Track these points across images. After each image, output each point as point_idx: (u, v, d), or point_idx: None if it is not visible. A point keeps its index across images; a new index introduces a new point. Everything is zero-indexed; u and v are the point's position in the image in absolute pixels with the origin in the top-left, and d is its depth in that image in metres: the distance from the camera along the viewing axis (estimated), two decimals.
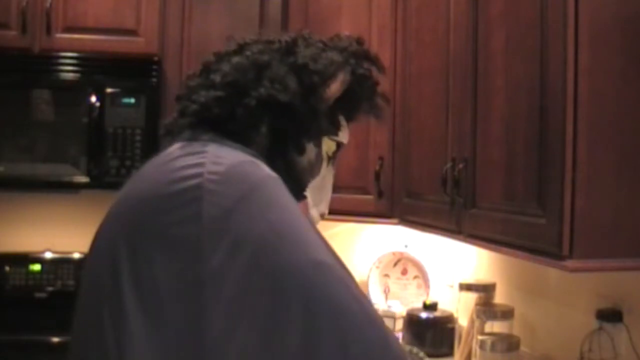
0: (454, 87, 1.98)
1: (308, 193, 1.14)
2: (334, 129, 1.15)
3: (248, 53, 1.08)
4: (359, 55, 1.15)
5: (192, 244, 0.85)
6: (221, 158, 0.93)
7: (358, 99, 1.16)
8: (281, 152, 1.07)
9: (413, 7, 2.36)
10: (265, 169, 0.95)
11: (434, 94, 2.13)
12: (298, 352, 0.82)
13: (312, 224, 0.94)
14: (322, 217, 1.19)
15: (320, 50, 1.11)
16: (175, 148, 0.99)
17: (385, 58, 2.46)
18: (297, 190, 1.11)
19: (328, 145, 1.15)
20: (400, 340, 2.56)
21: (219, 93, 1.03)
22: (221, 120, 1.02)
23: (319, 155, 1.13)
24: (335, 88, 1.10)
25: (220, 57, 1.10)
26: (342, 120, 1.17)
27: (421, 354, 2.38)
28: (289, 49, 1.10)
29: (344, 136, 1.17)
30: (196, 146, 0.97)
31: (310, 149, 1.11)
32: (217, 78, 1.05)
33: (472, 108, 1.84)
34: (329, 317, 0.83)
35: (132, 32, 2.72)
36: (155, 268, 0.86)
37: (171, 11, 2.75)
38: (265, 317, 0.82)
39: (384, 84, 1.21)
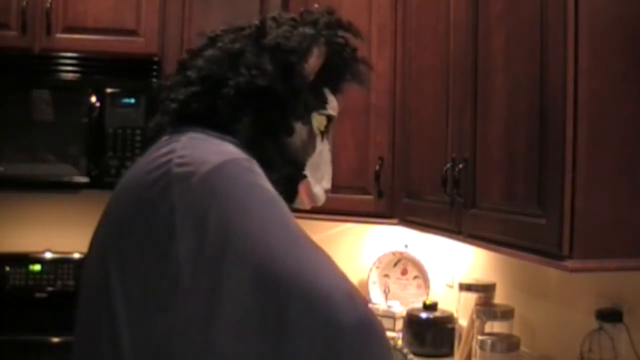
0: (454, 87, 1.98)
1: (307, 172, 1.13)
2: (321, 103, 1.13)
3: (220, 44, 1.07)
4: (331, 25, 1.14)
5: (167, 232, 0.85)
6: (192, 144, 0.94)
7: (339, 68, 1.15)
8: (270, 136, 1.06)
9: (413, 7, 2.36)
10: (233, 150, 0.95)
11: (434, 94, 2.13)
12: (269, 330, 0.80)
13: (284, 204, 0.92)
14: (327, 192, 1.17)
15: (292, 27, 1.10)
16: (158, 143, 1.00)
17: (385, 58, 2.47)
18: (295, 171, 1.11)
19: (318, 120, 1.14)
20: (400, 340, 2.56)
21: (196, 88, 1.03)
22: (203, 114, 1.02)
23: (310, 132, 1.12)
24: (313, 62, 1.09)
25: (194, 53, 1.10)
26: (328, 93, 1.15)
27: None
28: (260, 32, 1.08)
29: (332, 108, 1.16)
30: (173, 137, 0.98)
31: (300, 128, 1.09)
32: (193, 74, 1.05)
33: (472, 108, 1.84)
34: (302, 292, 0.80)
35: (132, 32, 2.72)
36: (138, 261, 0.87)
37: (171, 11, 2.76)
38: (234, 297, 0.81)
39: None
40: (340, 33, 1.14)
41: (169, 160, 0.90)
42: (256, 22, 1.11)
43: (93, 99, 2.63)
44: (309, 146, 1.12)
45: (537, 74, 1.51)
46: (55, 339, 2.49)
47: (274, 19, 1.12)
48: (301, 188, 1.13)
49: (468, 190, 1.85)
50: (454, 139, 1.96)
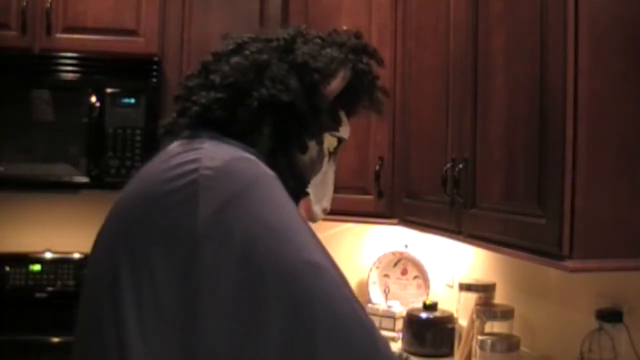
0: (454, 87, 1.98)
1: (310, 189, 1.14)
2: (335, 125, 1.14)
3: (247, 52, 1.07)
4: (358, 50, 1.14)
5: (188, 242, 0.85)
6: (217, 154, 0.93)
7: (358, 94, 1.15)
8: (283, 151, 1.06)
9: (413, 7, 2.36)
10: (261, 166, 0.95)
11: (434, 94, 2.13)
12: (279, 353, 0.81)
13: (309, 225, 0.93)
14: (325, 212, 1.18)
15: (319, 46, 1.10)
16: (174, 146, 0.99)
17: (385, 58, 2.43)
18: (300, 187, 1.11)
19: (329, 141, 1.14)
20: (400, 341, 2.56)
21: (220, 94, 1.03)
22: (223, 121, 1.02)
23: (320, 151, 1.13)
24: (335, 85, 1.09)
25: (219, 56, 1.09)
26: (343, 116, 1.16)
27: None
28: (288, 46, 1.09)
29: (345, 132, 1.17)
30: (194, 143, 0.97)
31: (312, 146, 1.10)
32: (217, 79, 1.04)
33: (472, 108, 1.84)
34: (314, 318, 0.82)
35: (132, 32, 2.72)
36: (153, 268, 0.86)
37: (171, 11, 2.76)
38: (249, 315, 0.82)
39: (384, 82, 1.21)
40: (365, 59, 1.14)
41: (195, 170, 0.89)
42: (285, 35, 1.11)
43: (93, 99, 2.63)
44: (317, 165, 1.13)
45: (537, 74, 1.51)
46: (55, 339, 2.49)
47: (302, 34, 1.12)
48: (301, 204, 1.13)
49: (468, 190, 1.85)
50: (454, 139, 1.96)
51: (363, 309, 0.89)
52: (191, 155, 0.93)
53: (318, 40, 1.12)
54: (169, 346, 0.84)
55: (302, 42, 1.10)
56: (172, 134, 1.05)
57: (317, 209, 1.16)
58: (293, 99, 1.03)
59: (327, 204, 1.18)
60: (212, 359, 0.83)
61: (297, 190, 1.10)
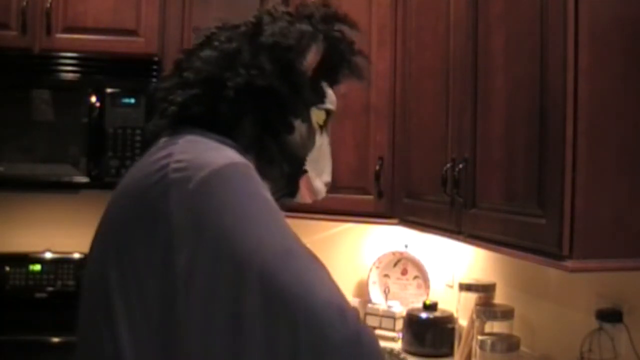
0: (454, 87, 1.98)
1: (308, 166, 1.12)
2: (320, 98, 1.12)
3: (216, 43, 1.06)
4: (327, 18, 1.12)
5: (165, 237, 0.85)
6: (189, 147, 0.93)
7: (336, 62, 1.13)
8: (271, 135, 1.05)
9: (413, 7, 2.36)
10: (233, 155, 0.94)
11: (434, 94, 2.13)
12: (261, 341, 0.80)
13: (280, 212, 0.91)
14: (327, 185, 1.17)
15: (288, 23, 1.08)
16: (155, 146, 0.99)
17: (385, 58, 2.46)
18: (296, 167, 1.10)
19: (317, 115, 1.13)
20: (400, 340, 2.56)
21: (195, 90, 1.02)
22: (203, 117, 1.01)
23: (310, 127, 1.11)
24: (311, 59, 1.08)
25: (190, 52, 1.08)
26: (326, 87, 1.14)
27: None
28: (256, 29, 1.07)
29: (331, 102, 1.15)
30: (173, 140, 0.97)
31: (299, 124, 1.09)
32: (190, 75, 1.03)
33: (472, 108, 1.84)
34: (292, 307, 0.80)
35: (132, 32, 2.72)
36: (138, 267, 0.87)
37: (171, 11, 2.76)
38: (229, 306, 0.81)
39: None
40: (337, 26, 1.13)
41: (167, 165, 0.90)
42: (252, 18, 1.09)
43: (93, 99, 2.63)
44: (309, 141, 1.12)
45: (537, 74, 1.51)
46: (55, 339, 2.49)
47: (269, 13, 1.10)
48: (302, 183, 1.12)
49: (468, 190, 1.85)
50: (454, 139, 1.96)
51: (341, 293, 0.86)
52: (165, 152, 0.93)
53: (286, 17, 1.10)
54: (154, 344, 0.84)
55: (270, 21, 1.08)
56: (154, 135, 1.05)
57: (318, 184, 1.15)
58: (269, 82, 1.02)
59: (327, 177, 1.17)
60: (194, 354, 0.82)
61: (294, 170, 1.10)
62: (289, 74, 1.04)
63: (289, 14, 1.11)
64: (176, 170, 0.89)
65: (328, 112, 1.15)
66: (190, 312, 0.83)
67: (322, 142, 1.15)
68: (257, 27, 1.07)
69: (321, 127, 1.14)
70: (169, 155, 0.92)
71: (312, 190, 1.14)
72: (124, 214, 0.92)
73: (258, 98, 1.02)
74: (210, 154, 0.92)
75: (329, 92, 1.15)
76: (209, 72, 1.03)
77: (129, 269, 0.87)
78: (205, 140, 0.96)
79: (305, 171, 1.12)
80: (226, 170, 0.90)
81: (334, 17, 1.13)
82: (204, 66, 1.03)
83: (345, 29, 1.14)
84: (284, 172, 1.08)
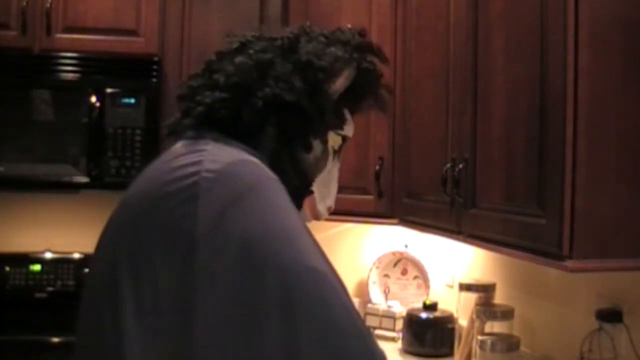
0: (454, 87, 1.98)
1: (315, 188, 1.13)
2: (340, 124, 1.13)
3: (251, 52, 1.06)
4: (362, 48, 1.14)
5: (187, 243, 0.85)
6: (219, 156, 0.93)
7: (363, 92, 1.15)
8: (288, 150, 1.06)
9: (413, 7, 2.36)
10: (263, 169, 0.95)
11: (434, 94, 2.13)
12: (277, 356, 0.81)
13: (309, 230, 0.92)
14: (330, 210, 1.18)
15: (323, 45, 1.10)
16: (177, 147, 0.99)
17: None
18: (304, 186, 1.11)
19: (334, 139, 1.14)
20: (400, 340, 2.56)
21: (224, 94, 1.02)
22: (227, 121, 1.02)
23: (325, 150, 1.12)
24: (340, 84, 1.09)
25: (222, 55, 1.08)
26: (347, 114, 1.16)
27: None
28: (292, 45, 1.08)
29: (349, 130, 1.16)
30: (198, 144, 0.97)
31: (317, 145, 1.10)
32: (221, 78, 1.04)
33: (472, 108, 1.84)
34: (312, 324, 0.82)
35: (132, 32, 2.72)
36: (153, 270, 0.86)
37: (171, 11, 2.75)
38: (247, 318, 0.82)
39: (386, 80, 1.21)
40: (369, 57, 1.14)
41: (197, 172, 0.89)
42: (289, 34, 1.10)
43: (93, 99, 2.63)
44: (321, 163, 1.13)
45: (537, 74, 1.51)
46: (55, 339, 2.49)
47: (306, 33, 1.12)
48: (306, 202, 1.13)
49: (468, 190, 1.85)
50: (454, 139, 1.96)
51: (360, 316, 0.89)
52: (194, 158, 0.93)
53: (322, 39, 1.11)
54: (166, 352, 0.84)
55: (306, 40, 1.10)
56: (176, 134, 1.05)
57: (321, 208, 1.16)
58: (297, 98, 1.03)
59: (331, 202, 1.18)
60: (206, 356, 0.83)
61: (301, 189, 1.10)
62: (317, 94, 1.05)
63: (325, 36, 1.13)
64: (207, 180, 0.88)
65: (344, 139, 1.16)
66: (207, 325, 0.82)
67: (333, 167, 1.16)
68: (293, 43, 1.09)
69: (335, 152, 1.15)
70: (198, 162, 0.91)
71: (314, 211, 1.15)
72: (142, 218, 0.91)
73: (283, 112, 1.03)
74: (242, 167, 0.92)
75: (349, 119, 1.16)
76: (240, 78, 1.03)
77: (144, 271, 0.86)
78: (234, 150, 0.96)
79: (312, 192, 1.13)
80: (257, 184, 0.90)
81: (368, 48, 1.15)
82: (236, 71, 1.04)
83: (377, 61, 1.16)
84: (291, 188, 1.08)
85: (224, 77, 1.04)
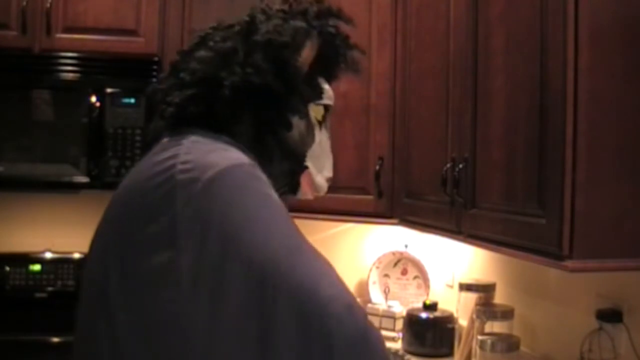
0: (454, 87, 1.98)
1: (308, 162, 1.13)
2: (317, 94, 1.12)
3: (211, 44, 1.06)
4: (321, 14, 1.12)
5: (169, 238, 0.85)
6: (194, 148, 0.93)
7: (332, 58, 1.14)
8: (270, 133, 1.05)
9: (413, 7, 2.36)
10: (236, 155, 0.94)
11: (434, 94, 2.13)
12: (270, 336, 0.81)
13: (287, 213, 0.92)
14: (328, 181, 1.17)
15: (282, 20, 1.08)
16: (157, 146, 1.00)
17: (385, 58, 2.46)
18: (296, 164, 1.10)
19: (315, 111, 1.13)
20: (400, 340, 2.56)
21: (192, 91, 1.02)
22: (200, 116, 1.01)
23: (308, 124, 1.11)
24: (306, 55, 1.08)
25: (185, 53, 1.08)
26: (323, 82, 1.14)
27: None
28: (250, 27, 1.07)
29: (329, 97, 1.15)
30: (175, 140, 0.97)
31: (298, 121, 1.09)
32: (186, 76, 1.04)
33: (472, 108, 1.84)
34: (303, 301, 0.81)
35: (132, 32, 2.72)
36: (140, 266, 0.86)
37: (171, 11, 2.75)
38: (238, 304, 0.82)
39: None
40: (332, 21, 1.13)
41: (173, 166, 0.90)
42: (246, 17, 1.09)
43: (93, 99, 2.63)
44: (308, 138, 1.12)
45: (537, 74, 1.51)
46: (55, 339, 2.49)
47: (263, 11, 1.10)
48: (303, 179, 1.13)
49: (468, 190, 1.85)
50: (454, 139, 1.96)
51: (347, 288, 0.88)
52: (170, 152, 0.93)
53: (280, 14, 1.10)
54: (155, 351, 0.84)
55: (264, 19, 1.08)
56: (154, 137, 1.05)
57: (320, 180, 1.15)
58: (265, 79, 1.02)
59: (329, 172, 1.17)
60: (200, 350, 0.82)
61: (295, 167, 1.10)
62: (284, 71, 1.04)
63: (283, 11, 1.11)
64: (183, 171, 0.89)
65: (326, 108, 1.15)
66: (197, 311, 0.82)
67: (322, 137, 1.15)
68: (251, 25, 1.08)
69: (320, 123, 1.14)
70: (175, 156, 0.92)
71: (313, 186, 1.14)
72: (126, 216, 0.92)
73: (254, 96, 1.02)
74: (216, 154, 0.93)
75: (326, 88, 1.15)
76: (204, 72, 1.03)
77: (130, 270, 0.87)
78: (209, 141, 0.97)
79: (306, 167, 1.12)
80: (232, 170, 0.90)
81: (328, 13, 1.14)
82: (199, 66, 1.04)
83: (341, 24, 1.14)
84: (284, 169, 1.08)
85: (189, 74, 1.04)
